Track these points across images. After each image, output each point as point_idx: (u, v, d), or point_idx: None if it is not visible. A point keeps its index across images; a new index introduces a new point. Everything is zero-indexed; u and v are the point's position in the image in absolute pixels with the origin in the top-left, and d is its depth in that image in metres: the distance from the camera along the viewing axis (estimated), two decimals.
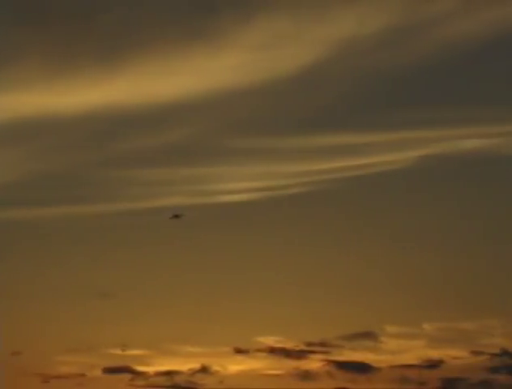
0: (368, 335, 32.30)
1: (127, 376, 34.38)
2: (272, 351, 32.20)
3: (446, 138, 27.33)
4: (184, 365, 33.64)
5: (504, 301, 35.14)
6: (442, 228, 34.03)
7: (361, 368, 29.34)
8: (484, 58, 28.90)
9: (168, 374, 34.13)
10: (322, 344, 32.58)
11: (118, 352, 34.32)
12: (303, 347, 32.20)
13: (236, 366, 31.99)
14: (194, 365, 33.37)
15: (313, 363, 30.68)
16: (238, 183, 30.89)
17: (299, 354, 31.73)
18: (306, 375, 29.56)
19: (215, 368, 32.87)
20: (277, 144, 28.74)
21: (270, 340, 32.48)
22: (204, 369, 33.01)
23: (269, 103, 23.88)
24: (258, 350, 32.00)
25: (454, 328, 36.89)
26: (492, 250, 34.96)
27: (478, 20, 21.89)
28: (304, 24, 24.08)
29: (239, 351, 31.75)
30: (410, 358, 37.67)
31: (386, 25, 23.28)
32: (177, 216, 22.39)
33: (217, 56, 23.64)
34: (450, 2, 22.36)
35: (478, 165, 32.26)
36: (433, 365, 37.19)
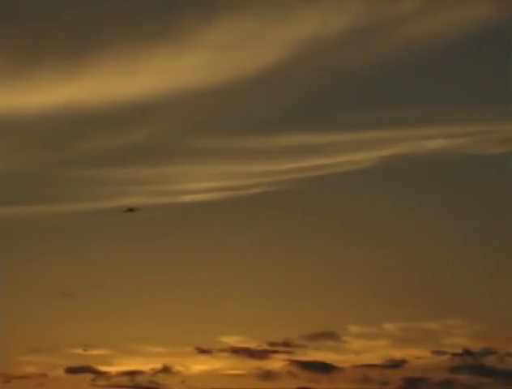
0: (330, 335, 32.45)
1: (89, 376, 34.19)
2: (235, 351, 32.23)
3: (411, 138, 27.54)
4: (146, 365, 33.54)
5: (466, 301, 35.51)
6: (406, 228, 34.29)
7: (324, 368, 29.41)
8: (448, 58, 29.18)
9: (131, 374, 33.96)
10: (285, 344, 32.66)
11: (80, 351, 34.11)
12: (266, 347, 32.26)
13: (198, 366, 31.94)
14: (156, 365, 33.28)
15: (276, 363, 30.72)
16: (200, 183, 30.84)
17: (262, 354, 31.78)
18: (269, 375, 29.58)
19: (178, 368, 32.79)
20: (240, 144, 28.74)
21: (233, 340, 32.49)
22: (166, 369, 32.90)
23: (232, 103, 23.86)
24: (221, 350, 32.02)
25: (416, 328, 37.24)
26: (456, 249, 35.33)
27: (442, 20, 22.08)
28: (267, 24, 24.11)
29: (201, 351, 31.75)
30: (372, 358, 37.92)
31: (350, 25, 23.37)
32: (131, 210, 22.27)
33: (181, 56, 23.55)
34: (414, 2, 22.52)
35: (442, 165, 32.55)
36: (396, 364, 37.48)
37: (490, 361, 26.11)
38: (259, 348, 32.02)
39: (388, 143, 31.70)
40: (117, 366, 33.99)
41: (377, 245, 33.74)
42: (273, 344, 32.54)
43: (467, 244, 34.61)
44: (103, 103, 25.95)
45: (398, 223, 34.38)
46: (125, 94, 23.22)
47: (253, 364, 31.37)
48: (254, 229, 31.72)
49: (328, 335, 32.46)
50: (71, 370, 34.30)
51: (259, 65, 22.61)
